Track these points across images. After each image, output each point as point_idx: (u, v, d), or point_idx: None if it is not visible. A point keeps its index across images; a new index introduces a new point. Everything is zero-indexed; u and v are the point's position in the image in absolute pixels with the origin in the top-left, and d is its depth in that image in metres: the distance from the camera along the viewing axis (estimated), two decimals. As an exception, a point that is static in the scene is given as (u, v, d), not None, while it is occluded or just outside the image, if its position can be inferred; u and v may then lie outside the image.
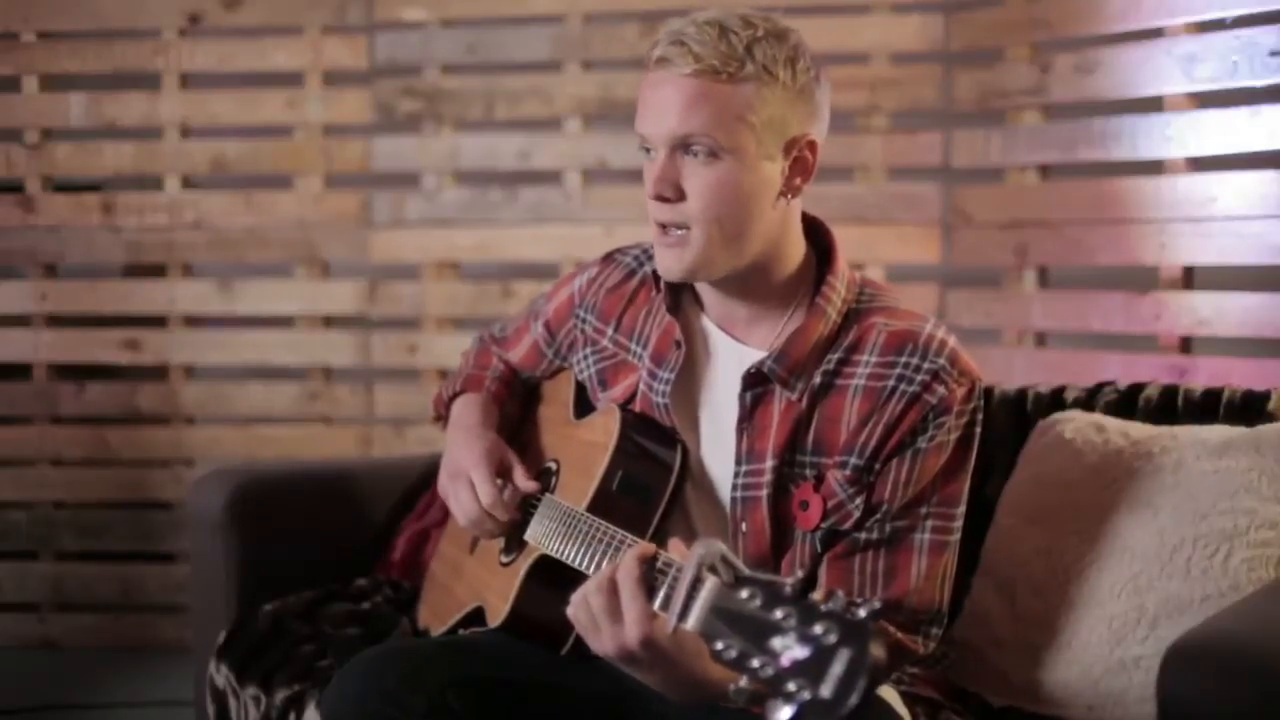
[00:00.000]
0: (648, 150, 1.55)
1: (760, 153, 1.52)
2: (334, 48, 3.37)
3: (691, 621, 1.23)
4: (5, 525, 3.47)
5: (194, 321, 3.46)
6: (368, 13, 3.35)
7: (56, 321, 3.48)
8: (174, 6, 3.38)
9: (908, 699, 1.65)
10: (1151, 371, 2.52)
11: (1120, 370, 2.55)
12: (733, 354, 1.62)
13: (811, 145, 1.56)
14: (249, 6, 3.37)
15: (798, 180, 1.56)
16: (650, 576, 1.35)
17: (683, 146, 1.51)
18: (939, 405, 1.53)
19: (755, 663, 1.14)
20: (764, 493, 1.57)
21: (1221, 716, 1.35)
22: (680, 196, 1.52)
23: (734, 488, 1.59)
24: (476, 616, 1.75)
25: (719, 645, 1.18)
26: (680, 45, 1.49)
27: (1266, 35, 2.40)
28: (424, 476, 2.41)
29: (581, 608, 1.37)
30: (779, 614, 1.14)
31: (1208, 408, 1.97)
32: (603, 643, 1.36)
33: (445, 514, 2.24)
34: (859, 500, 1.54)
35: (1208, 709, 1.36)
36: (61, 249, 3.46)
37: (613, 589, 1.35)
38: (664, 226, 1.54)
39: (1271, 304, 2.46)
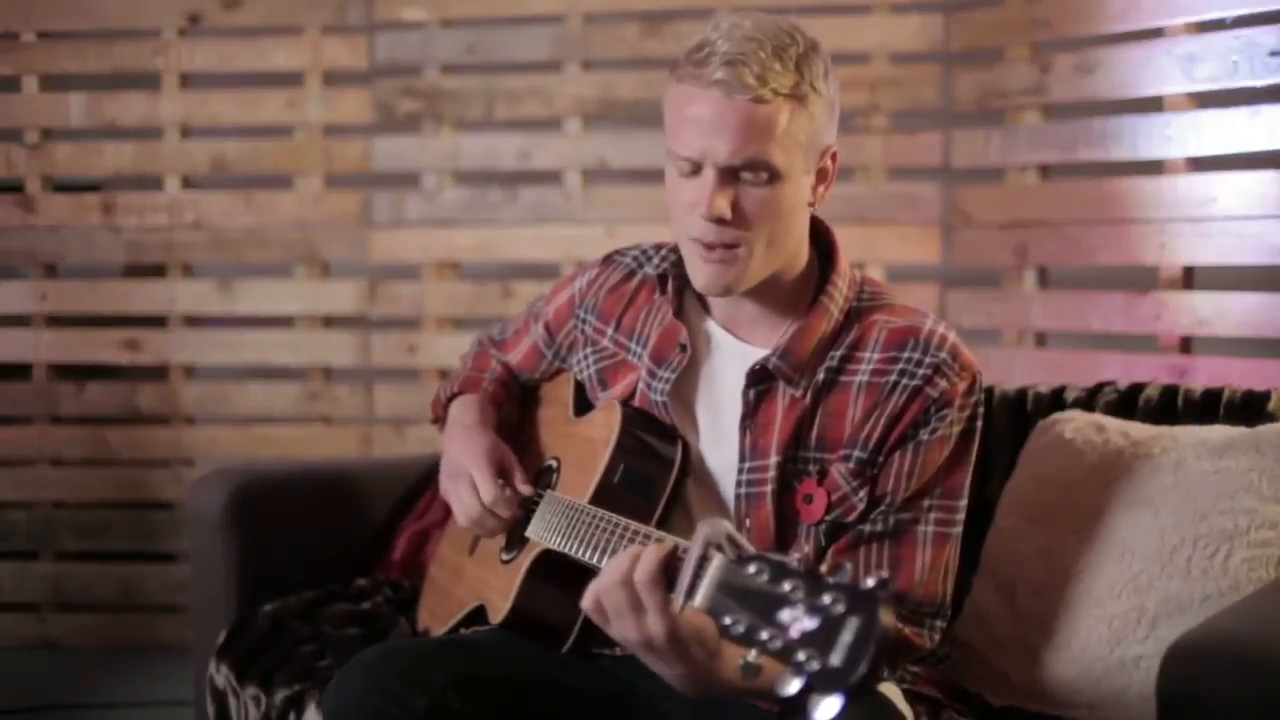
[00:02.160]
0: (691, 167, 1.52)
1: (804, 168, 1.53)
2: (334, 48, 3.37)
3: (699, 599, 1.23)
4: (5, 525, 3.47)
5: (194, 321, 3.46)
6: (368, 13, 3.35)
7: (56, 321, 3.47)
8: (174, 6, 3.38)
9: (909, 697, 1.65)
10: (1151, 371, 2.52)
11: (1120, 370, 2.55)
12: (735, 353, 1.63)
13: (834, 156, 1.58)
14: (249, 6, 3.37)
15: (821, 189, 1.58)
16: (672, 574, 1.33)
17: (737, 170, 1.50)
18: (940, 398, 1.55)
19: (764, 635, 1.14)
20: (769, 489, 1.58)
21: (1221, 716, 1.35)
22: (736, 217, 1.52)
23: (738, 484, 1.60)
24: (478, 616, 1.75)
25: (727, 620, 1.18)
26: (738, 66, 1.47)
27: (1266, 35, 2.40)
28: (424, 476, 2.41)
29: (606, 596, 1.34)
30: (786, 586, 1.14)
31: (1208, 408, 1.97)
32: (625, 632, 1.35)
33: (445, 514, 2.24)
34: (862, 493, 1.55)
35: (1208, 709, 1.36)
36: (61, 249, 3.46)
37: (632, 585, 1.34)
38: (710, 244, 1.53)
39: (1271, 304, 2.46)
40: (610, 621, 1.36)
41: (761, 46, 1.48)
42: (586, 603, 1.38)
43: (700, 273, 1.57)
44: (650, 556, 1.35)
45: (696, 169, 1.52)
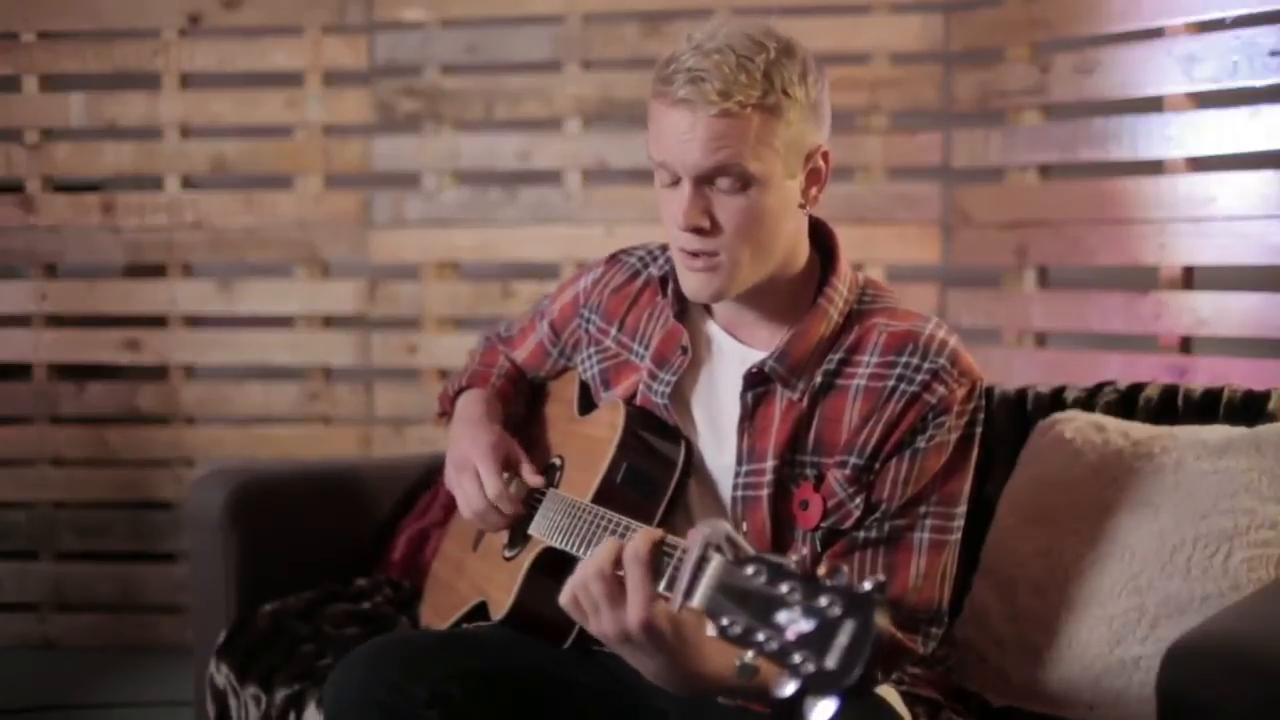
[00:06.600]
0: (671, 178, 1.53)
1: (785, 173, 1.52)
2: (334, 48, 3.37)
3: (697, 599, 1.23)
4: (5, 525, 3.47)
5: (194, 321, 3.46)
6: (368, 13, 3.35)
7: (56, 321, 3.48)
8: (174, 6, 3.38)
9: (908, 699, 1.65)
10: (1151, 371, 2.52)
11: (1120, 370, 2.55)
12: (736, 356, 1.63)
13: (825, 155, 1.57)
14: (249, 6, 3.37)
15: (814, 190, 1.58)
16: (658, 560, 1.35)
17: (710, 178, 1.51)
18: (939, 405, 1.54)
19: (760, 637, 1.14)
20: (765, 492, 1.57)
21: (1221, 716, 1.35)
22: (714, 226, 1.52)
23: (735, 487, 1.60)
24: (480, 611, 1.75)
25: (724, 621, 1.18)
26: (700, 83, 1.47)
27: (1266, 35, 2.40)
28: (424, 476, 2.41)
29: (581, 590, 1.37)
30: (784, 588, 1.15)
31: (1208, 408, 1.97)
32: (601, 626, 1.37)
33: (446, 514, 2.24)
34: (859, 499, 1.55)
35: (1208, 709, 1.36)
36: (61, 249, 3.46)
37: (616, 573, 1.35)
38: (694, 253, 1.54)
39: (1271, 304, 2.46)
40: (588, 616, 1.37)
41: (725, 60, 1.47)
42: (564, 598, 1.39)
43: (687, 281, 1.57)
44: (641, 539, 1.35)
45: (676, 180, 1.53)
